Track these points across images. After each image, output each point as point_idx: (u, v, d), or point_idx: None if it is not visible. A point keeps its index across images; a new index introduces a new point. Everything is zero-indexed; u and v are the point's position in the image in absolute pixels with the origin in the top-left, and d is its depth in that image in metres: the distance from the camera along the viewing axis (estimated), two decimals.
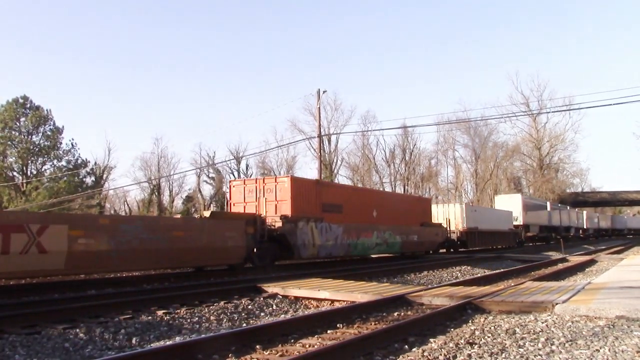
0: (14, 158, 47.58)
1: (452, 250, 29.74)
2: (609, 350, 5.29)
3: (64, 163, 49.27)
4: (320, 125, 33.12)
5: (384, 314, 8.03)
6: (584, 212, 63.46)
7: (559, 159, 69.18)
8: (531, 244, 43.33)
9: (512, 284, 11.90)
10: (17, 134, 47.67)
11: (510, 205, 40.25)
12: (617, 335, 5.95)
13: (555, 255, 27.47)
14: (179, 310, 8.46)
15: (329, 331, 6.78)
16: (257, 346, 5.83)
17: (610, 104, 51.53)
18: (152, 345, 6.62)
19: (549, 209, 48.06)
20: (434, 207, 30.82)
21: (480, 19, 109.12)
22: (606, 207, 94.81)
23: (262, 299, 9.86)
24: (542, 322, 6.81)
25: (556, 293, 8.85)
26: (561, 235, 49.02)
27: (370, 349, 5.57)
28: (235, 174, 61.37)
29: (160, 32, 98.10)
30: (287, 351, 5.67)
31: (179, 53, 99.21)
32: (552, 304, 7.72)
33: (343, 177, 58.85)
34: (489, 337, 6.07)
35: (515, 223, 39.71)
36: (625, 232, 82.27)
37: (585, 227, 61.64)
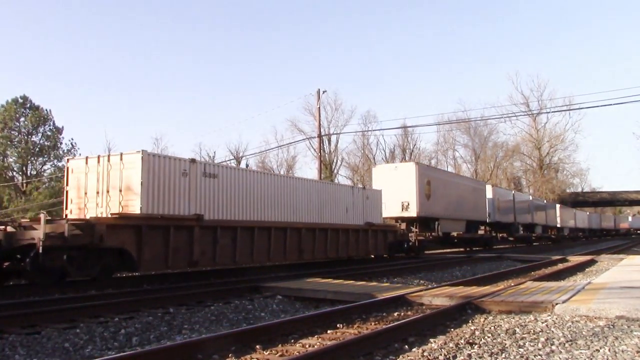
0: (14, 158, 47.52)
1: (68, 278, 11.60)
2: (609, 350, 5.29)
3: (64, 163, 49.16)
4: (320, 125, 33.14)
5: (384, 314, 8.03)
6: (557, 207, 51.16)
7: (559, 159, 69.30)
8: (442, 252, 27.62)
9: (512, 284, 11.90)
10: (17, 134, 47.63)
11: (398, 183, 23.39)
12: (617, 335, 5.95)
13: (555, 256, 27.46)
14: (179, 310, 8.46)
15: (329, 331, 6.78)
16: (257, 346, 5.83)
17: (610, 104, 52.00)
18: (152, 345, 6.62)
19: (490, 195, 32.73)
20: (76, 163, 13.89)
21: (480, 18, 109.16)
22: (606, 207, 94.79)
23: (262, 299, 9.86)
24: (542, 322, 6.81)
25: (556, 293, 8.85)
26: (516, 236, 37.80)
27: (370, 349, 5.57)
28: None
29: (160, 31, 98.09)
30: (287, 351, 5.67)
31: (179, 53, 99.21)
32: (552, 304, 7.71)
33: (343, 177, 58.90)
34: (489, 337, 6.07)
35: (400, 214, 23.40)
36: (598, 232, 71.82)
37: (558, 225, 50.23)
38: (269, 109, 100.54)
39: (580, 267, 19.14)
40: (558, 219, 50.00)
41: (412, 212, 23.65)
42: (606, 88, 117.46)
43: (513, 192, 40.42)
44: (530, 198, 44.20)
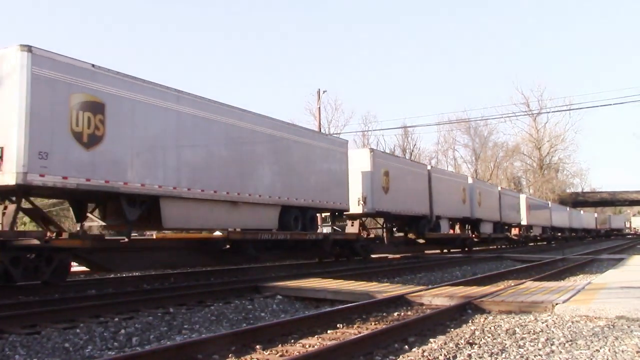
0: None
1: None
2: (609, 350, 5.29)
3: None
4: (320, 125, 33.11)
5: (384, 314, 8.03)
6: (522, 199, 39.27)
7: (559, 159, 69.48)
8: None
9: (512, 284, 11.90)
10: None
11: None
12: (617, 335, 5.95)
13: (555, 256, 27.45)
14: (179, 310, 8.46)
15: (329, 331, 6.78)
16: (257, 346, 5.83)
17: (610, 104, 52.04)
18: (152, 345, 6.61)
19: (368, 167, 19.45)
20: None
21: (480, 19, 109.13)
22: (606, 207, 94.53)
23: (262, 299, 9.86)
24: (542, 322, 6.81)
25: (556, 293, 8.85)
26: (432, 237, 24.22)
27: (370, 349, 5.57)
28: None
29: (158, 31, 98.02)
30: (287, 351, 5.67)
31: (178, 52, 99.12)
32: (552, 304, 7.71)
33: None
34: (489, 337, 6.07)
35: None
36: (581, 233, 61.27)
37: (524, 223, 38.68)
38: (268, 109, 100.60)
39: (580, 267, 19.13)
40: (523, 215, 38.00)
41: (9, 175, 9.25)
42: (606, 88, 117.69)
43: (429, 167, 26.07)
44: (470, 181, 29.80)
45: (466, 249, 28.52)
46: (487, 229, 31.33)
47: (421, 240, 24.11)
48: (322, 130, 34.02)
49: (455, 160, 64.57)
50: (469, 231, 30.04)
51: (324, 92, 32.54)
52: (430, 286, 11.22)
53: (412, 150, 61.14)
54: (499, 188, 35.98)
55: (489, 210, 31.69)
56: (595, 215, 74.51)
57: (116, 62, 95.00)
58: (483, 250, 29.98)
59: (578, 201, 71.46)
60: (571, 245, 43.28)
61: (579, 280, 14.61)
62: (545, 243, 44.08)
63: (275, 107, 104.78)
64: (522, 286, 10.35)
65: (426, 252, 25.47)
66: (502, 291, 9.40)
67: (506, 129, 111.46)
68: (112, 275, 13.73)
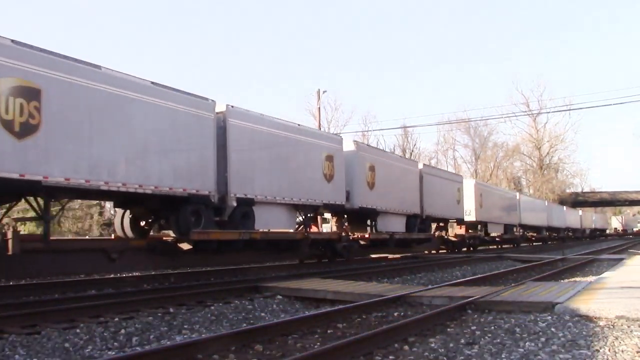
0: None
1: None
2: (609, 350, 5.29)
3: None
4: (320, 125, 33.15)
5: (384, 314, 8.03)
6: (469, 185, 28.54)
7: (559, 159, 69.59)
8: None
9: (512, 284, 11.90)
10: None
11: None
12: (617, 335, 5.95)
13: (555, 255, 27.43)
14: (179, 310, 8.46)
15: (329, 331, 6.79)
16: (257, 346, 5.84)
17: (610, 104, 52.05)
18: (152, 345, 6.62)
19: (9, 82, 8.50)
20: None
21: (480, 19, 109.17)
22: (606, 207, 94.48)
23: (262, 299, 9.86)
24: (542, 322, 6.82)
25: (556, 293, 8.84)
26: (199, 240, 11.76)
27: (370, 349, 5.57)
28: None
29: (157, 31, 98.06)
30: (287, 351, 5.67)
31: (177, 51, 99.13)
32: (552, 303, 7.72)
33: None
34: (489, 337, 6.08)
35: None
36: (563, 232, 52.05)
37: (470, 219, 27.89)
38: (268, 109, 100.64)
39: (580, 267, 19.13)
40: (470, 207, 27.69)
41: None
42: (606, 88, 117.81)
43: (222, 107, 13.51)
44: (351, 147, 18.53)
45: (341, 258, 17.51)
46: (391, 225, 20.34)
47: (184, 245, 12.63)
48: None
49: (455, 161, 64.66)
50: (373, 227, 19.44)
51: (323, 92, 32.64)
52: (430, 286, 11.23)
53: (412, 150, 61.23)
54: (421, 166, 24.40)
55: (397, 197, 20.58)
56: (580, 213, 63.25)
57: (117, 61, 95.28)
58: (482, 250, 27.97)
59: (578, 201, 71.49)
60: (571, 245, 42.84)
61: (579, 280, 14.61)
62: (512, 246, 34.17)
63: (275, 107, 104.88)
64: (522, 286, 10.35)
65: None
66: (502, 291, 9.40)
67: (506, 129, 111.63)
68: (112, 275, 13.73)
